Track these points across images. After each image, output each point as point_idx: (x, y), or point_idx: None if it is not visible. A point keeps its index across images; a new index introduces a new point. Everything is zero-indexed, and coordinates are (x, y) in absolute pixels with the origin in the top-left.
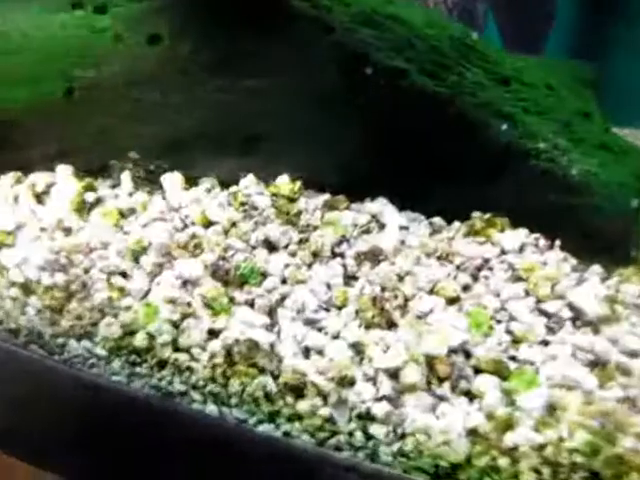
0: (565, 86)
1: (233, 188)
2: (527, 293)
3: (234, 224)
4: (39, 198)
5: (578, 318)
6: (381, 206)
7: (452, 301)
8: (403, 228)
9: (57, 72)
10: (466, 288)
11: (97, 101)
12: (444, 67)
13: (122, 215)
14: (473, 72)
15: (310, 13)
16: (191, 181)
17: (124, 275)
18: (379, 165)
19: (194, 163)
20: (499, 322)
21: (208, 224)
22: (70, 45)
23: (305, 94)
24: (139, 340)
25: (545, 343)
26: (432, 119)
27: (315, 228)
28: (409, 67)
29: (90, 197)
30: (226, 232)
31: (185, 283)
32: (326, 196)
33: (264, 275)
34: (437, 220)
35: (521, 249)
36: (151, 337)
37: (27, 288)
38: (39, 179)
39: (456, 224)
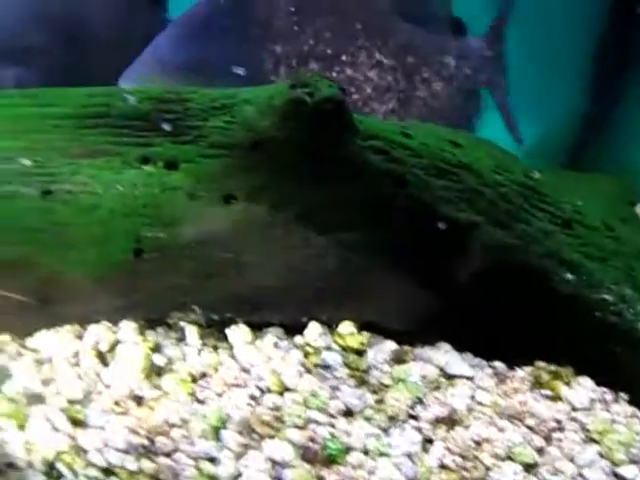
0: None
1: (299, 339)
2: (601, 455)
3: (312, 392)
4: (102, 356)
5: None
6: (445, 354)
7: (529, 467)
8: (469, 379)
9: (126, 233)
10: (540, 451)
11: (166, 260)
12: (512, 216)
13: (193, 379)
14: (538, 217)
15: (384, 166)
16: (256, 329)
17: (212, 460)
18: (443, 310)
19: (261, 314)
20: None
21: (284, 389)
22: (140, 204)
23: (377, 246)
24: None
25: None
26: (498, 268)
27: (387, 387)
28: (480, 219)
29: (158, 359)
30: (305, 400)
31: (274, 463)
32: (392, 345)
33: (347, 449)
34: (499, 365)
35: (590, 405)
36: None
37: (110, 472)
38: (102, 337)
39: (520, 372)
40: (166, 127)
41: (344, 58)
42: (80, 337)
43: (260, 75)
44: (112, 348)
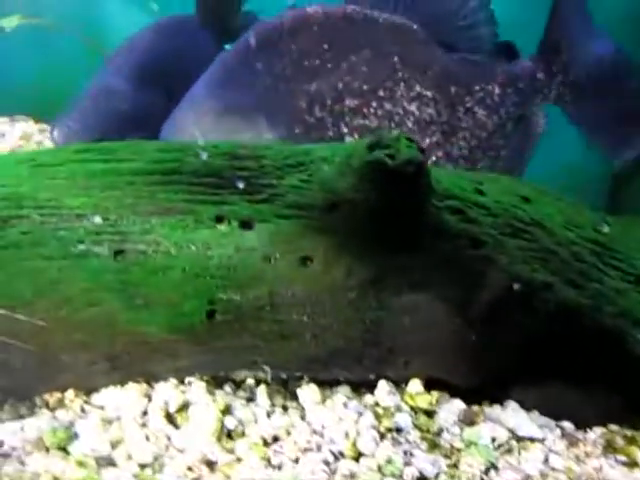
0: None
1: (369, 398)
2: None
3: (387, 458)
4: (171, 417)
5: None
6: (514, 413)
7: None
8: (539, 440)
9: (199, 294)
10: None
11: (239, 322)
12: (585, 275)
13: (265, 442)
14: (610, 275)
15: (460, 227)
16: (324, 386)
17: None
18: (512, 369)
19: (330, 373)
20: None
21: (359, 455)
22: (214, 265)
23: (449, 306)
24: None
25: None
26: (571, 329)
27: (459, 450)
28: (553, 279)
29: (229, 422)
30: (379, 467)
31: None
32: (460, 405)
33: None
34: (568, 426)
35: None
36: None
37: None
38: (171, 396)
39: (591, 435)
40: (240, 185)
41: (381, 93)
42: (148, 395)
43: (295, 114)
44: (181, 409)
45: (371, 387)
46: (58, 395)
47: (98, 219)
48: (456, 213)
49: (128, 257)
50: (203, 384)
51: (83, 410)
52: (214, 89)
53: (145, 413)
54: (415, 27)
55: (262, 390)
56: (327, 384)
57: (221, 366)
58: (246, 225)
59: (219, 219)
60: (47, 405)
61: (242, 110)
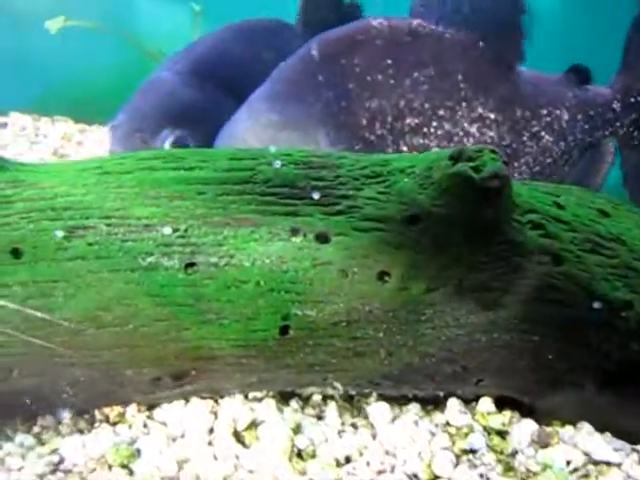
0: None
1: (440, 417)
2: None
3: None
4: (239, 435)
5: None
6: (588, 436)
7: None
8: (615, 465)
9: (273, 309)
10: None
11: (313, 339)
12: None
13: (338, 463)
14: None
15: (540, 242)
16: (393, 403)
17: None
18: (587, 390)
19: (400, 389)
20: None
21: (434, 477)
22: (289, 279)
23: (526, 325)
24: None
25: None
26: None
27: (535, 474)
28: (634, 297)
29: (300, 441)
30: None
31: None
32: (533, 425)
33: None
34: None
35: None
36: None
37: None
38: (239, 414)
39: None
40: (315, 195)
41: (442, 112)
42: (214, 412)
43: (355, 131)
44: (250, 426)
45: (439, 404)
46: (119, 409)
47: (167, 230)
48: (536, 228)
49: (199, 270)
50: (272, 401)
51: (145, 426)
52: (273, 101)
53: (211, 431)
54: (481, 44)
55: (332, 408)
56: (394, 400)
57: (290, 382)
58: (322, 238)
59: (294, 231)
60: (107, 420)
61: (301, 124)
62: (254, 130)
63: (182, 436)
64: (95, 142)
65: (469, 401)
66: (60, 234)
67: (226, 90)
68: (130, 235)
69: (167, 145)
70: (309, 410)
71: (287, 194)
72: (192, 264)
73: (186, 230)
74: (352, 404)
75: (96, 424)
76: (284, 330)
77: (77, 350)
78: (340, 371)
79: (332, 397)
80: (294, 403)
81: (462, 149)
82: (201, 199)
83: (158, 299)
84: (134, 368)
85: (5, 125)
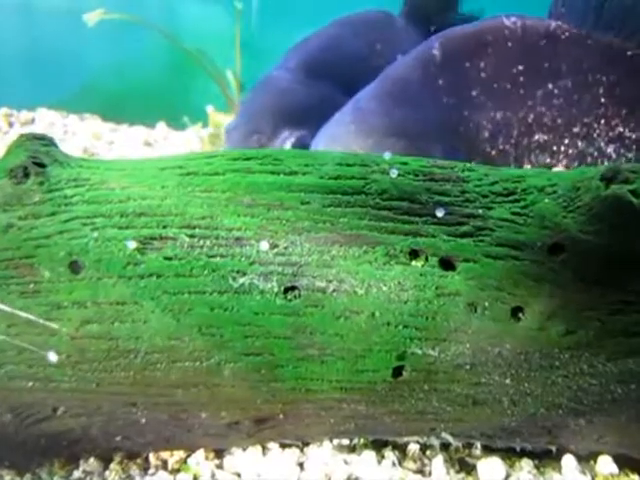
0: None
1: (556, 477)
2: None
3: None
4: None
5: None
6: None
7: None
8: None
9: (388, 346)
10: None
11: (429, 383)
12: None
13: None
14: None
15: None
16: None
17: None
18: None
19: (509, 441)
20: None
21: None
22: (408, 311)
23: None
24: None
25: None
26: None
27: None
28: None
29: None
30: None
31: None
32: None
33: None
34: None
35: None
36: None
37: None
38: (332, 467)
39: None
40: (439, 213)
41: (576, 130)
42: (300, 463)
43: (474, 144)
44: None
45: (550, 460)
46: (180, 455)
47: (264, 245)
48: None
49: (302, 295)
50: (371, 454)
51: (214, 476)
52: (382, 102)
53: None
54: (631, 53)
55: (438, 462)
56: (499, 453)
57: (391, 431)
58: (447, 264)
59: (414, 254)
60: (165, 466)
61: (412, 131)
62: (357, 133)
63: None
64: (127, 142)
65: (582, 457)
66: (131, 245)
67: (341, 86)
68: (218, 249)
69: (288, 147)
70: (409, 464)
71: (405, 209)
72: (293, 288)
73: (287, 247)
74: (451, 455)
75: (150, 470)
76: (397, 371)
77: (142, 387)
78: (454, 421)
79: (429, 447)
80: (389, 453)
81: (617, 168)
82: (304, 210)
83: (249, 329)
84: (210, 411)
85: (33, 121)
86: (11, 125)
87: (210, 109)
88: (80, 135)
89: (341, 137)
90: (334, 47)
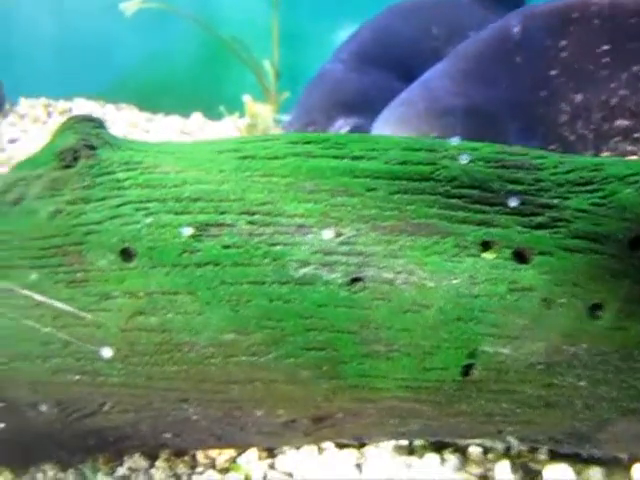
0: None
1: None
2: None
3: None
4: None
5: None
6: None
7: None
8: None
9: (458, 343)
10: None
11: (499, 383)
12: None
13: None
14: None
15: None
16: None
17: None
18: None
19: (576, 447)
20: None
21: None
22: (479, 306)
23: None
24: None
25: None
26: None
27: None
28: None
29: None
30: None
31: None
32: None
33: None
34: None
35: None
36: None
37: None
38: (393, 471)
39: None
40: (513, 202)
41: None
42: (358, 465)
43: (551, 128)
44: None
45: (618, 468)
46: (230, 453)
47: (328, 234)
48: None
49: (368, 287)
50: (435, 457)
51: (266, 478)
52: (455, 81)
53: None
54: None
55: (503, 467)
56: (565, 459)
57: (455, 433)
58: (521, 256)
59: (486, 245)
60: (213, 465)
61: (487, 112)
62: (428, 113)
63: None
64: (162, 131)
65: None
66: (187, 232)
67: (396, 72)
68: (279, 237)
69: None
70: (472, 468)
71: (477, 198)
72: (358, 279)
73: (352, 235)
74: (514, 460)
75: (198, 469)
76: (467, 370)
77: (196, 383)
78: (522, 423)
79: (491, 450)
80: (450, 456)
81: None
82: (370, 197)
83: (311, 322)
84: (267, 408)
85: (70, 111)
86: (49, 115)
87: (247, 99)
88: (117, 125)
89: (410, 118)
90: (387, 34)
